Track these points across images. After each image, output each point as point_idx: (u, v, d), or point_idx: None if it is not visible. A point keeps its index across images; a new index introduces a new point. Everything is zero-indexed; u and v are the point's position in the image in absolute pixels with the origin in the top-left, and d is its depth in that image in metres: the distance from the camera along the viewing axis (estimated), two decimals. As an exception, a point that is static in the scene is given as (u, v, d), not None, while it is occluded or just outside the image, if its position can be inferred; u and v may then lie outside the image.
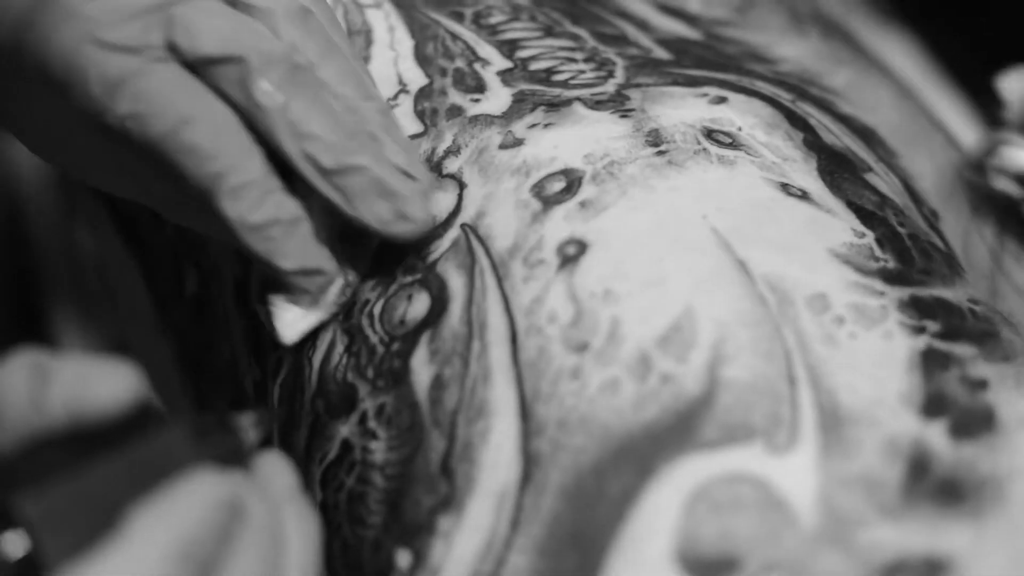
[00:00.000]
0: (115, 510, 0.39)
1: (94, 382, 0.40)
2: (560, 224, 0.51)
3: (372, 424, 0.51)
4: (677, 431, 0.46)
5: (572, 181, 0.53)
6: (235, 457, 0.44)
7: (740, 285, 0.49)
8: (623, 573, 0.45)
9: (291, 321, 0.51)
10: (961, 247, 0.58)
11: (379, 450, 0.50)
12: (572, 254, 0.51)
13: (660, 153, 0.54)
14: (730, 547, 0.44)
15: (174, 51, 0.47)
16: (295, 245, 0.49)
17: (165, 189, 0.51)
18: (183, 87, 0.47)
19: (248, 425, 0.46)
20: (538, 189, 0.53)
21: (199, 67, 0.47)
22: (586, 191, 0.53)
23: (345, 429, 0.51)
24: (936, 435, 0.46)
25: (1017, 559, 0.44)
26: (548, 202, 0.52)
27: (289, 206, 0.49)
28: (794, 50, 0.65)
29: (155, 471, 0.40)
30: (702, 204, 0.52)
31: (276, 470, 0.44)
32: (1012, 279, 0.59)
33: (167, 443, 0.41)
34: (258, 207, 0.48)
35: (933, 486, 0.45)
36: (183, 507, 0.39)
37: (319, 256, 0.50)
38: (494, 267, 0.51)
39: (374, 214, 0.49)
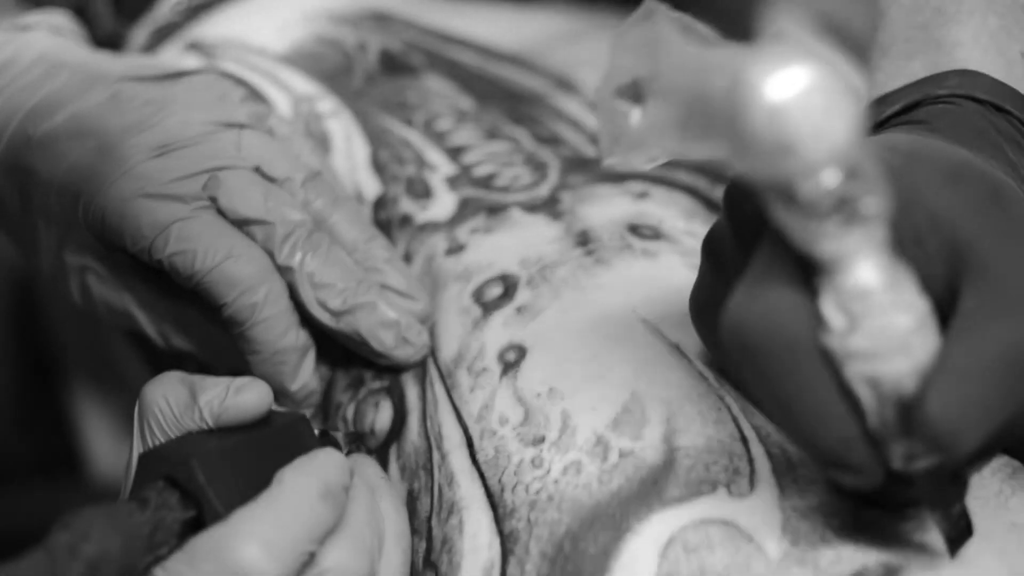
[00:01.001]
0: (264, 474, 0.46)
1: (241, 394, 0.48)
2: (499, 331, 0.55)
3: None
4: (644, 494, 0.48)
5: (509, 286, 0.56)
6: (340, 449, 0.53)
7: (678, 367, 0.52)
8: None
9: None
10: None
11: None
12: (512, 360, 0.54)
13: (588, 253, 0.57)
14: None
15: (221, 209, 0.54)
16: (304, 370, 0.56)
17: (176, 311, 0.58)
18: (227, 230, 0.54)
19: (340, 437, 0.54)
20: (478, 295, 0.57)
21: (235, 224, 0.54)
22: (522, 296, 0.56)
23: None
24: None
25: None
26: (487, 308, 0.56)
27: (303, 337, 0.55)
28: None
29: (290, 447, 0.48)
30: (630, 298, 0.55)
31: (368, 462, 0.52)
32: None
33: (295, 430, 0.50)
34: (283, 336, 0.54)
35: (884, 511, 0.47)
36: (321, 464, 0.47)
37: (315, 380, 0.56)
38: (442, 377, 0.55)
39: (380, 342, 0.55)
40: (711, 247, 0.48)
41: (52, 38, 0.60)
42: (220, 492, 0.46)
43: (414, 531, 0.52)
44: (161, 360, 0.69)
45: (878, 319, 0.40)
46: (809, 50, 0.38)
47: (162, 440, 0.49)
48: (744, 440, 0.49)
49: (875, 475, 0.42)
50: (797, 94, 0.38)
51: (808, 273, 0.41)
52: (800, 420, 0.41)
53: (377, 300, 0.55)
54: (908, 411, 0.40)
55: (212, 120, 0.56)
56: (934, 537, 0.45)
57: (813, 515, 0.47)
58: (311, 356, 0.56)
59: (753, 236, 0.44)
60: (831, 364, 0.41)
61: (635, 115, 0.45)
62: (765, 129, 0.38)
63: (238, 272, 0.53)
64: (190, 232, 0.53)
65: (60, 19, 0.62)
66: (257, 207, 0.54)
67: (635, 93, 0.45)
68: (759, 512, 0.47)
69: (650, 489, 0.48)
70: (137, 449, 0.49)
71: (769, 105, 0.38)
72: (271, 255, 0.55)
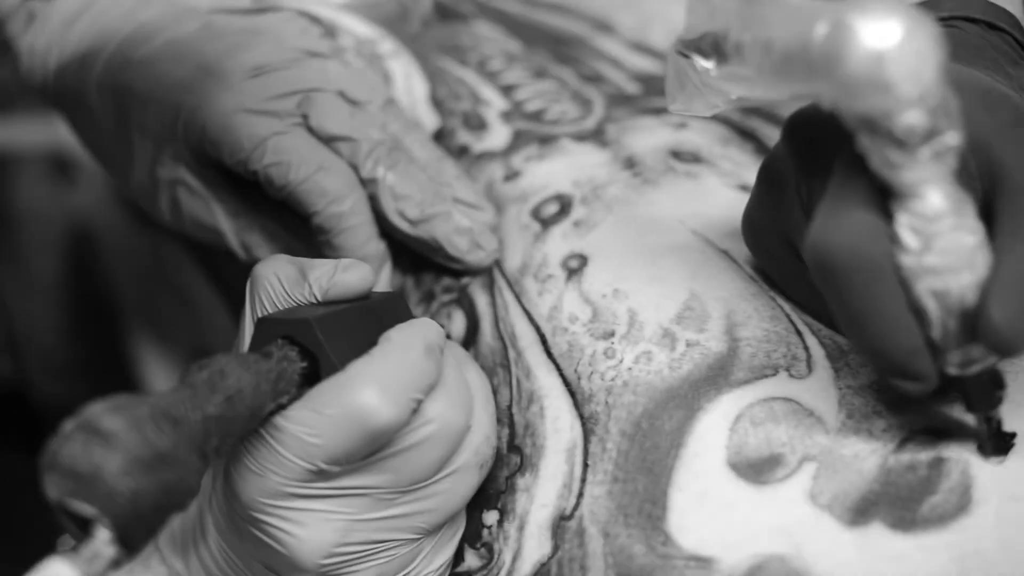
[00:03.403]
0: (371, 336, 0.50)
1: (348, 272, 0.52)
2: (559, 242, 0.59)
3: None
4: (712, 378, 0.52)
5: (565, 204, 0.60)
6: None
7: (730, 269, 0.56)
8: (688, 483, 0.51)
9: None
10: None
11: None
12: (575, 267, 0.58)
13: (636, 175, 0.61)
14: (772, 449, 0.51)
15: (310, 126, 0.58)
16: (382, 278, 0.60)
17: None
18: (316, 145, 0.58)
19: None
20: (536, 213, 0.60)
21: (324, 139, 0.58)
22: (577, 212, 0.60)
23: None
24: None
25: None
26: (546, 223, 0.60)
27: (383, 247, 0.59)
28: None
29: (391, 317, 0.52)
30: (678, 212, 0.59)
31: (452, 343, 0.56)
32: None
33: (394, 304, 0.54)
34: (366, 244, 0.58)
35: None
36: (422, 325, 0.51)
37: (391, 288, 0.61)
38: (510, 285, 0.59)
39: (455, 247, 0.59)
40: (768, 171, 0.52)
41: None
42: (336, 348, 0.49)
43: (496, 420, 0.55)
44: (230, 287, 0.73)
45: (948, 239, 0.45)
46: (898, 2, 0.43)
47: (272, 309, 0.52)
48: (799, 332, 0.53)
49: (933, 381, 0.46)
50: (896, 42, 0.43)
51: (883, 198, 0.45)
52: (874, 331, 0.45)
53: (451, 210, 0.59)
54: (971, 320, 0.45)
55: (300, 48, 0.59)
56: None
57: (865, 392, 0.51)
58: (388, 267, 0.60)
59: (814, 162, 0.49)
60: (903, 281, 0.45)
61: (708, 67, 0.51)
62: (867, 71, 0.43)
63: (328, 184, 0.57)
64: (285, 145, 0.57)
65: None
66: (344, 125, 0.58)
67: (708, 47, 0.50)
68: (817, 391, 0.52)
69: (718, 373, 0.53)
70: (249, 319, 0.52)
71: (872, 51, 0.43)
72: (355, 169, 0.58)
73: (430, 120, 0.65)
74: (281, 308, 0.52)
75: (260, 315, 0.52)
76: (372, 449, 0.49)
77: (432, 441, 0.50)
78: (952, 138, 0.44)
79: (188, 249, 0.81)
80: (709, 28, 0.50)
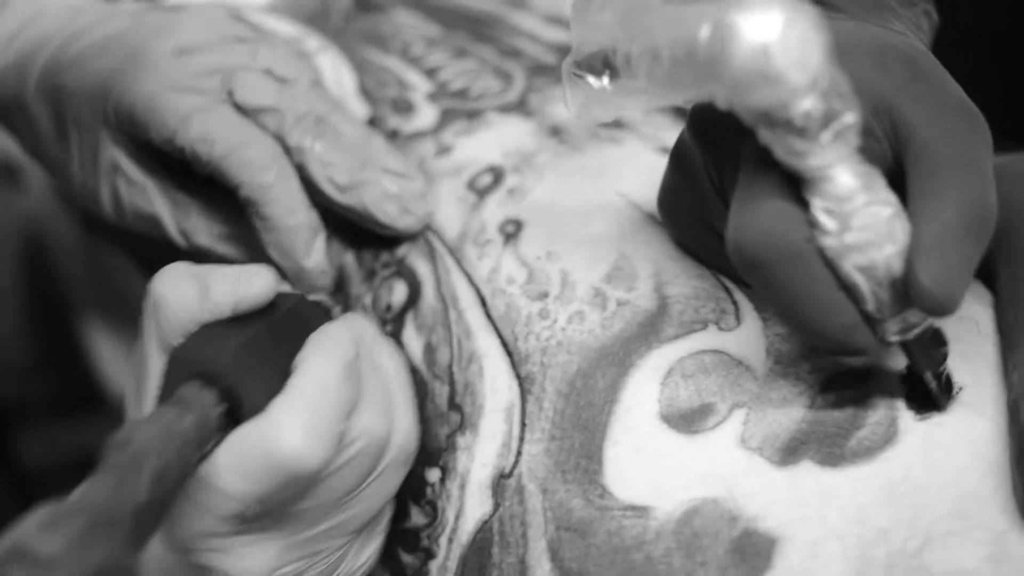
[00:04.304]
0: (284, 358, 0.50)
1: (251, 283, 0.52)
2: (495, 210, 0.60)
3: None
4: (643, 335, 0.54)
5: (498, 174, 0.62)
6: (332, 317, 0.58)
7: (657, 232, 0.58)
8: (622, 437, 0.53)
9: None
10: None
11: None
12: (512, 231, 0.59)
13: (562, 142, 0.63)
14: (703, 399, 0.52)
15: (235, 99, 0.59)
16: (315, 249, 0.60)
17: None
18: (240, 120, 0.58)
19: (325, 301, 0.59)
20: (471, 184, 0.62)
21: (249, 114, 0.59)
22: (510, 180, 0.61)
23: None
24: None
25: None
26: (482, 193, 0.61)
27: (314, 217, 0.60)
28: None
29: (301, 327, 0.52)
30: (605, 176, 0.61)
31: (357, 317, 0.57)
32: None
33: (300, 310, 0.53)
34: (294, 212, 0.59)
35: None
36: (335, 344, 0.51)
37: (326, 261, 0.61)
38: (450, 252, 0.60)
39: (384, 213, 0.60)
40: (679, 158, 0.54)
41: None
42: (254, 383, 0.49)
43: (436, 377, 0.58)
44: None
45: (864, 215, 0.46)
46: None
47: (177, 332, 0.51)
48: (727, 288, 0.55)
49: (876, 352, 0.48)
50: (778, 33, 0.43)
51: (793, 185, 0.47)
52: (808, 315, 0.47)
53: (380, 177, 0.60)
54: (902, 287, 0.46)
55: (226, 32, 0.61)
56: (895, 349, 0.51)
57: (793, 339, 0.53)
58: (322, 237, 0.60)
59: (722, 153, 0.50)
60: (828, 263, 0.46)
61: (603, 82, 0.51)
62: (755, 66, 0.43)
63: (251, 155, 0.58)
64: (208, 121, 0.58)
65: None
66: (269, 97, 0.59)
67: (599, 64, 0.51)
68: (746, 341, 0.54)
69: (648, 330, 0.54)
70: (153, 347, 0.52)
71: (756, 45, 0.43)
72: (282, 141, 0.59)
73: (361, 110, 0.67)
74: (187, 329, 0.51)
75: (166, 338, 0.52)
76: (301, 490, 0.50)
77: (359, 457, 0.52)
78: (850, 117, 0.45)
79: (130, 257, 0.82)
80: (597, 45, 0.50)
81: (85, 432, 0.87)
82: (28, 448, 0.87)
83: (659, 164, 0.59)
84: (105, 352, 0.89)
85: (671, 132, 0.63)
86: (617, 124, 0.63)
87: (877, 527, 0.49)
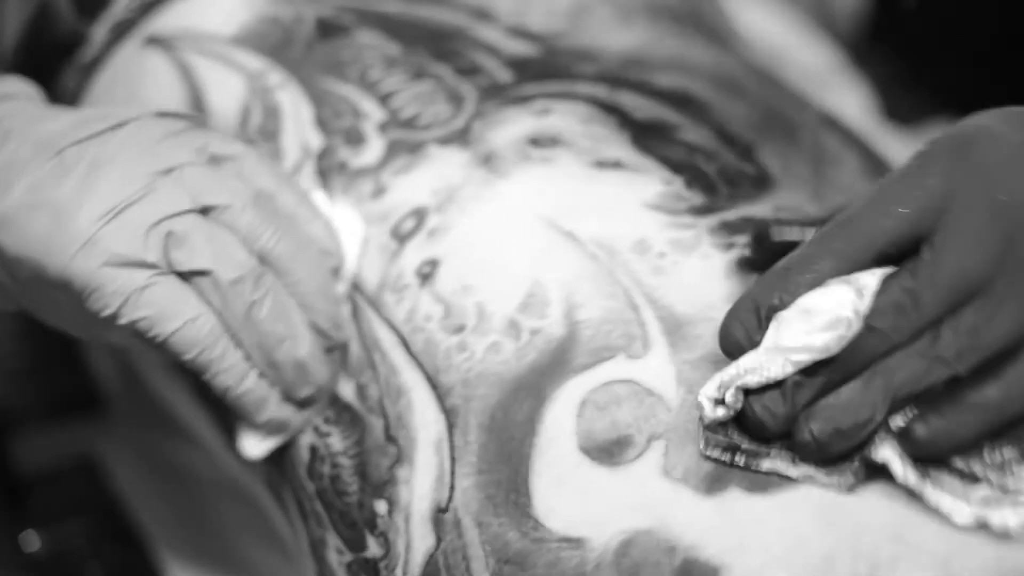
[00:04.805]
0: None
1: None
2: (413, 254, 0.61)
3: (324, 428, 0.61)
4: (556, 364, 0.55)
5: (421, 217, 0.63)
6: None
7: (572, 251, 0.59)
8: (545, 469, 0.54)
9: (255, 443, 0.62)
10: (782, 165, 0.66)
11: (336, 442, 0.61)
12: (427, 272, 0.61)
13: (490, 171, 0.63)
14: (619, 432, 0.54)
15: (171, 264, 0.58)
16: (267, 409, 0.60)
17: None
18: (181, 291, 0.58)
19: None
20: (395, 232, 0.63)
21: (187, 276, 0.58)
22: (432, 221, 0.62)
23: (306, 439, 0.62)
24: None
25: None
26: (403, 239, 0.62)
27: (260, 386, 0.60)
28: (620, 40, 0.73)
29: None
30: (527, 199, 0.62)
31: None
32: (831, 180, 0.67)
33: None
34: (240, 383, 0.59)
35: None
36: None
37: (284, 412, 0.61)
38: (370, 303, 0.62)
39: (294, 393, 0.61)
40: None
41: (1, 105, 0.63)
42: None
43: (370, 411, 0.59)
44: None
45: None
46: None
47: None
48: (635, 308, 0.56)
49: None
50: None
51: None
52: None
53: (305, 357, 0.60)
54: None
55: (151, 171, 0.59)
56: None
57: (702, 365, 0.54)
58: (274, 395, 0.61)
59: None
60: None
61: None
62: None
63: (194, 334, 0.58)
64: (149, 302, 0.58)
65: (13, 86, 0.65)
66: (204, 258, 0.58)
67: None
68: (655, 369, 0.55)
69: (560, 359, 0.56)
70: None
71: None
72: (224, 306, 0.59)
73: (316, 140, 0.68)
74: None
75: None
76: None
77: None
78: None
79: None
80: None
81: (82, 435, 0.88)
82: (25, 451, 0.87)
83: (589, 178, 0.61)
84: (102, 354, 0.89)
85: (610, 144, 0.64)
86: (554, 142, 0.64)
87: (820, 553, 0.50)
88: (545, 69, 0.70)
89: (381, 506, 0.58)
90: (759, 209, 0.61)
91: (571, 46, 0.73)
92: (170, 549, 0.82)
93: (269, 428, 0.62)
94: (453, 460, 0.56)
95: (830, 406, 0.51)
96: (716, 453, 0.52)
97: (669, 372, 0.55)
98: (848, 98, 0.88)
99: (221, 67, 0.72)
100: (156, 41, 0.73)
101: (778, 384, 0.50)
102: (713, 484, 0.52)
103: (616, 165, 0.63)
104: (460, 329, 0.58)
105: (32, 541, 0.83)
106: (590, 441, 0.54)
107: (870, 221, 0.51)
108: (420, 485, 0.57)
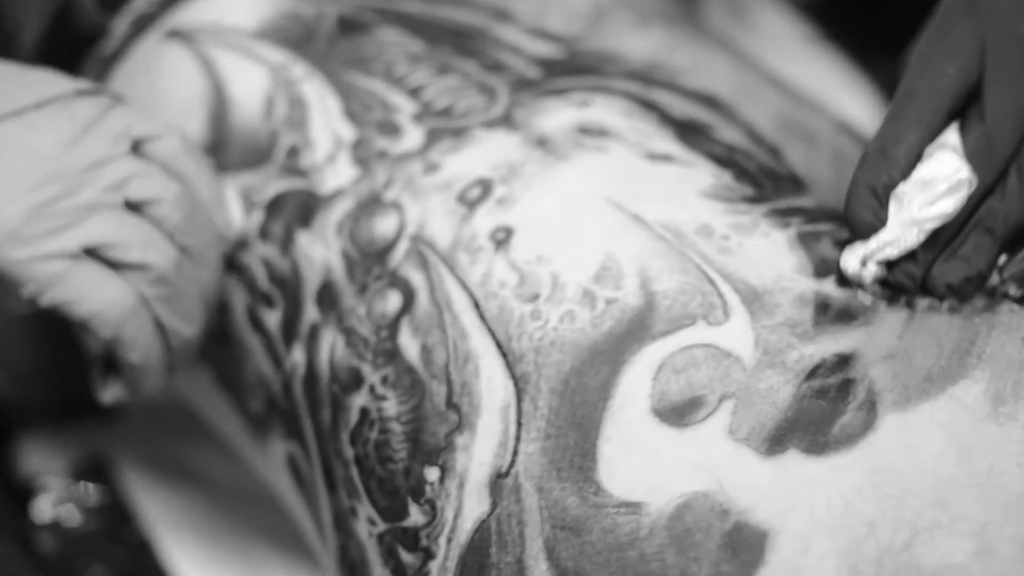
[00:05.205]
0: None
1: None
2: (485, 219, 0.62)
3: (380, 390, 0.61)
4: (633, 332, 0.56)
5: (486, 187, 0.63)
6: None
7: (641, 231, 0.59)
8: (615, 433, 0.54)
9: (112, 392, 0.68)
10: (805, 167, 0.68)
11: (391, 406, 0.60)
12: (502, 238, 0.61)
13: (548, 152, 0.64)
14: (694, 392, 0.54)
15: (91, 253, 0.61)
16: (153, 383, 0.67)
17: None
18: (101, 275, 0.62)
19: None
20: (461, 198, 0.63)
21: (116, 266, 0.62)
22: (499, 191, 0.63)
23: (359, 400, 0.62)
24: (829, 287, 0.57)
25: (895, 344, 0.55)
26: (471, 205, 0.62)
27: (160, 362, 0.65)
28: (638, 45, 0.74)
29: None
30: (590, 182, 0.62)
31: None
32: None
33: None
34: (146, 357, 0.65)
35: (835, 315, 0.56)
36: None
37: (160, 385, 0.67)
38: (443, 260, 0.62)
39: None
40: None
41: None
42: None
43: (433, 377, 0.59)
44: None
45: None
46: None
47: None
48: (711, 281, 0.57)
49: None
50: None
51: None
52: None
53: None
54: None
55: (80, 166, 0.62)
56: (881, 332, 0.55)
57: (780, 330, 0.55)
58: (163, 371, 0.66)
59: None
60: None
61: None
62: None
63: (112, 315, 0.62)
64: (71, 287, 0.61)
65: None
66: (131, 251, 0.63)
67: None
68: (735, 334, 0.55)
69: (638, 327, 0.56)
70: None
71: None
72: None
73: (348, 132, 0.68)
74: None
75: None
76: None
77: None
78: None
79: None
80: None
81: (92, 436, 0.88)
82: (35, 451, 0.88)
83: (644, 169, 0.62)
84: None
85: (655, 139, 0.64)
86: (602, 132, 0.65)
87: (864, 519, 0.51)
88: (572, 68, 0.71)
89: (432, 473, 0.58)
90: (804, 202, 0.63)
91: (592, 49, 0.74)
92: (180, 551, 0.81)
93: (138, 392, 0.67)
94: (520, 426, 0.56)
95: (956, 258, 0.55)
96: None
97: (748, 335, 0.55)
98: (857, 105, 0.88)
99: (243, 59, 0.72)
100: (177, 34, 0.74)
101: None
102: (774, 446, 0.53)
103: (667, 158, 0.63)
104: (535, 298, 0.59)
105: (41, 542, 0.82)
106: (664, 402, 0.54)
107: (931, 88, 0.56)
108: (481, 451, 0.57)
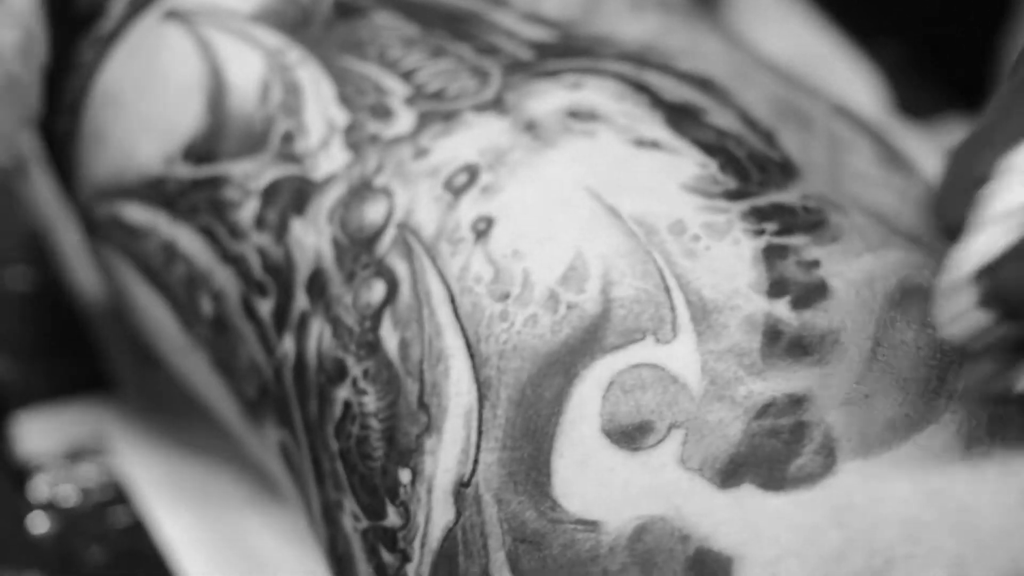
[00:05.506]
0: None
1: None
2: (469, 208, 0.61)
3: (362, 384, 0.61)
4: (587, 342, 0.55)
5: (473, 173, 0.63)
6: None
7: (614, 226, 0.59)
8: (567, 450, 0.54)
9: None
10: (800, 151, 0.66)
11: (371, 402, 0.60)
12: (483, 228, 0.60)
13: (536, 138, 0.63)
14: (642, 417, 0.53)
15: None
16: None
17: None
18: None
19: None
20: (448, 184, 0.63)
21: None
22: (485, 178, 0.62)
23: (343, 392, 0.62)
24: (782, 309, 0.55)
25: (853, 389, 0.53)
26: (457, 193, 0.62)
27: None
28: (633, 29, 0.74)
29: None
30: (574, 170, 0.62)
31: None
32: (847, 168, 0.67)
33: None
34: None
35: (785, 346, 0.54)
36: None
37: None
38: (427, 251, 0.61)
39: None
40: None
41: None
42: None
43: (408, 374, 0.59)
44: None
45: None
46: None
47: None
48: (667, 289, 0.56)
49: None
50: None
51: None
52: None
53: None
54: None
55: None
56: (838, 373, 0.53)
57: (727, 357, 0.54)
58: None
59: None
60: None
61: None
62: None
63: None
64: None
65: None
66: None
67: None
68: (682, 356, 0.54)
69: (591, 337, 0.56)
70: None
71: None
72: None
73: (341, 117, 0.68)
74: None
75: None
76: None
77: None
78: None
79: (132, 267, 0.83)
80: None
81: (90, 417, 0.88)
82: (32, 432, 0.87)
83: (630, 156, 0.61)
84: (114, 335, 0.90)
85: (645, 123, 0.64)
86: (592, 116, 0.64)
87: (833, 547, 0.50)
88: (566, 51, 0.70)
89: (405, 475, 0.58)
90: (790, 197, 0.62)
91: (587, 33, 0.73)
92: (178, 531, 0.81)
93: None
94: (480, 434, 0.56)
95: None
96: None
97: (695, 360, 0.54)
98: (857, 89, 0.89)
99: (240, 43, 0.72)
100: (175, 15, 0.74)
101: None
102: (728, 478, 0.52)
103: (654, 145, 0.63)
104: (505, 297, 0.58)
105: (38, 523, 0.82)
106: (613, 424, 0.54)
107: None
108: (445, 457, 0.57)
